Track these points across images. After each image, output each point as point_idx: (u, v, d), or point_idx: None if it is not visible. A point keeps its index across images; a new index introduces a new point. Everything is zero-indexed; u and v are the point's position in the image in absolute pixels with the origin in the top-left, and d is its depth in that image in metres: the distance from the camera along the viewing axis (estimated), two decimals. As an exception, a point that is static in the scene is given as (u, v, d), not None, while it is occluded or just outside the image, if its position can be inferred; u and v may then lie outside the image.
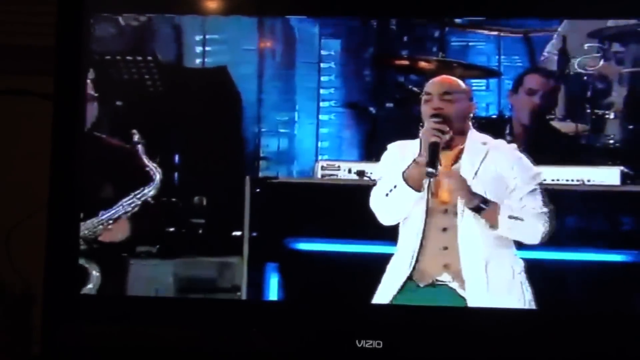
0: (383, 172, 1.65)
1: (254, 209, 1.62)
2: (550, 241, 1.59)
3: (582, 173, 1.61)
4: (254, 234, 1.63)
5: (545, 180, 1.60)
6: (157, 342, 1.93)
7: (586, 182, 1.60)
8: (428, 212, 1.64)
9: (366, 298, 1.70)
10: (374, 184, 1.64)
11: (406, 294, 1.68)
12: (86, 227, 1.75)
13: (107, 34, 1.78)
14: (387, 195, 1.64)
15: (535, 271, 1.61)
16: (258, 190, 1.65)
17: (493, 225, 1.59)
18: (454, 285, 1.66)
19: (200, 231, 1.66)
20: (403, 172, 1.61)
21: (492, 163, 1.62)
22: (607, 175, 1.61)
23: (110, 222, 1.75)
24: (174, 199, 1.66)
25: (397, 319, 1.88)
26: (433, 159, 1.57)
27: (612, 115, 1.66)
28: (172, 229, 1.65)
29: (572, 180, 1.63)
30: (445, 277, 1.67)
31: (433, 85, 1.64)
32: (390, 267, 1.65)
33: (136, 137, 1.71)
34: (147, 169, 1.71)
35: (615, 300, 1.59)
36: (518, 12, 1.74)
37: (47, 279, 1.96)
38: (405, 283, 1.67)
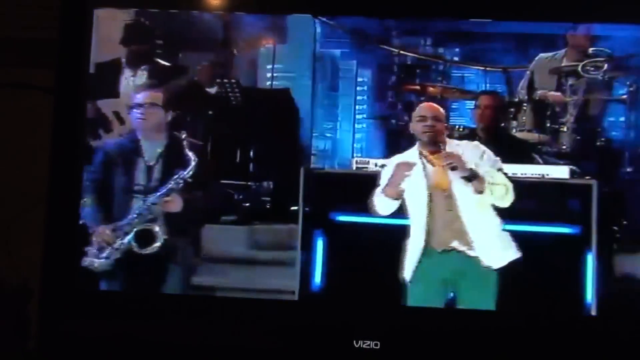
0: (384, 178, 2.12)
1: (306, 191, 2.13)
2: (518, 217, 2.08)
3: (542, 169, 2.15)
4: (307, 209, 2.12)
5: (515, 173, 2.13)
6: (154, 337, 2.01)
7: (545, 176, 2.15)
8: (431, 198, 2.09)
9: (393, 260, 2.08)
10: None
11: (426, 259, 2.09)
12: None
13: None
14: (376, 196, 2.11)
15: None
16: (310, 177, 2.16)
17: (480, 190, 2.06)
18: (464, 248, 2.09)
19: (268, 206, 2.26)
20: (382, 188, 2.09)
21: (467, 155, 2.09)
22: (560, 172, 2.15)
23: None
24: (249, 183, 2.25)
25: (395, 319, 2.05)
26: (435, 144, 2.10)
27: (565, 129, 2.26)
28: (247, 204, 2.25)
29: (535, 175, 2.19)
30: (455, 244, 2.10)
31: (426, 109, 2.13)
32: (410, 238, 2.10)
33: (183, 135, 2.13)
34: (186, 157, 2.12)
35: (561, 261, 2.06)
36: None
37: (44, 274, 1.98)
38: (424, 249, 2.10)
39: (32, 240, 1.97)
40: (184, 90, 2.18)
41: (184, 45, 2.16)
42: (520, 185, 2.07)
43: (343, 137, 2.29)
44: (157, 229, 2.09)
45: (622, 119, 2.20)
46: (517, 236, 2.06)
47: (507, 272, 2.06)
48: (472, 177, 2.07)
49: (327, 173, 2.21)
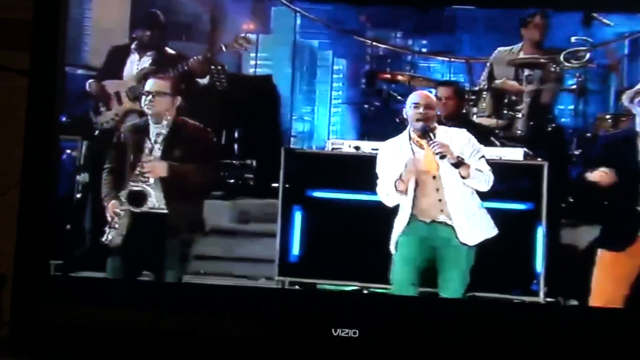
0: (380, 170, 2.26)
1: (286, 169, 2.34)
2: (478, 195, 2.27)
3: (499, 152, 2.38)
4: (286, 186, 2.33)
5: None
6: (127, 323, 2.05)
7: (502, 158, 2.37)
8: (419, 179, 2.24)
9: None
10: (365, 155, 2.32)
11: (409, 231, 2.24)
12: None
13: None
14: (387, 195, 2.26)
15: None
16: (290, 157, 2.36)
17: (465, 176, 2.20)
18: (445, 219, 2.24)
19: (251, 183, 2.47)
20: (394, 183, 2.22)
21: (454, 141, 2.25)
22: (515, 154, 2.38)
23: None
24: (234, 162, 2.47)
25: (373, 307, 2.13)
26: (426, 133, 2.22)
27: (520, 116, 2.51)
28: (232, 181, 2.46)
29: (493, 157, 2.42)
30: (438, 218, 2.25)
31: (419, 97, 2.28)
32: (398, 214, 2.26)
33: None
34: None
35: (514, 230, 2.28)
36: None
37: (17, 260, 2.00)
38: (409, 223, 2.24)
39: (5, 226, 2.01)
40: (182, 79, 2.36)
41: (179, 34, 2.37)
42: None
43: (320, 120, 2.53)
44: (148, 189, 2.24)
45: (571, 107, 2.46)
46: None
47: (477, 246, 2.25)
48: (458, 164, 2.21)
49: (305, 153, 2.44)
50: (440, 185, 2.25)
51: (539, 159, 2.35)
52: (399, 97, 2.50)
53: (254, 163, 2.44)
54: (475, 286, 2.26)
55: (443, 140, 2.21)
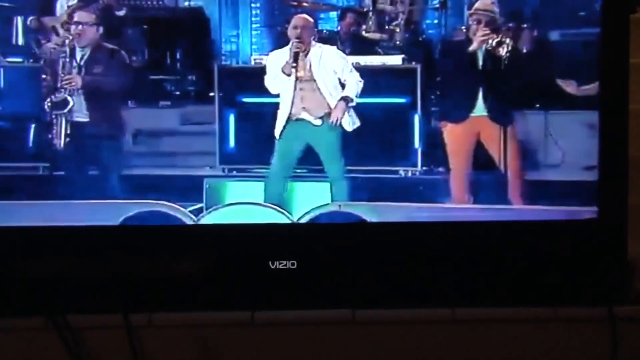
0: (269, 67, 2.75)
1: (220, 81, 2.94)
2: (369, 93, 2.82)
3: (383, 59, 3.00)
4: (221, 94, 2.95)
5: (366, 62, 2.96)
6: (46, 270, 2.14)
7: (385, 63, 3.01)
8: (297, 84, 2.76)
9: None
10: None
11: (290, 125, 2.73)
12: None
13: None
14: (274, 78, 2.76)
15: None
16: (222, 71, 2.99)
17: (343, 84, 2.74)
18: (317, 121, 2.78)
19: (192, 94, 3.09)
20: (281, 68, 2.73)
21: (326, 56, 2.79)
22: (395, 60, 3.00)
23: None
24: (178, 77, 3.07)
25: (311, 238, 2.27)
26: (296, 60, 2.76)
27: (398, 30, 3.18)
28: (178, 93, 3.07)
29: (379, 63, 3.02)
30: (306, 116, 2.77)
31: (298, 20, 2.78)
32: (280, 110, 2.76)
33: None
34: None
35: (397, 121, 2.89)
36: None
37: None
38: (288, 118, 2.74)
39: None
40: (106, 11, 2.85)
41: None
42: (369, 71, 2.89)
43: (244, 41, 3.14)
44: (68, 97, 2.82)
45: (436, 21, 3.14)
46: (368, 106, 2.86)
47: (357, 133, 2.83)
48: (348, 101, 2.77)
49: (234, 68, 3.06)
50: (315, 87, 2.80)
51: (414, 63, 2.97)
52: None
53: (194, 78, 3.05)
54: (368, 163, 2.87)
55: (314, 55, 2.79)
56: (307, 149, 2.80)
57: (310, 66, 2.81)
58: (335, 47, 2.88)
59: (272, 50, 2.90)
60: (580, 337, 2.37)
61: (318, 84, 2.80)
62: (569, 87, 2.74)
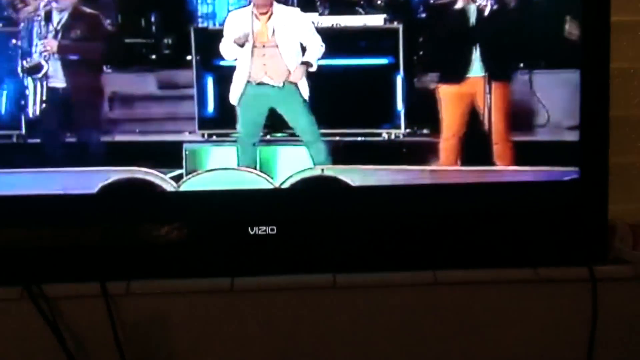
0: (226, 31, 2.71)
1: (197, 45, 2.87)
2: (350, 53, 2.92)
3: (364, 19, 2.93)
4: (198, 58, 2.90)
5: (347, 24, 2.99)
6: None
7: (366, 24, 2.97)
8: (255, 45, 2.79)
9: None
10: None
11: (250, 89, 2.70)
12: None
13: None
14: (227, 47, 2.78)
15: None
16: (198, 34, 2.94)
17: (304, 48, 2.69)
18: (278, 83, 2.73)
19: (169, 58, 3.03)
20: (234, 39, 2.69)
21: (289, 20, 2.71)
22: (377, 20, 2.95)
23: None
24: (152, 40, 3.01)
25: (291, 204, 2.27)
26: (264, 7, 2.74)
27: (379, -12, 3.13)
28: (154, 57, 3.02)
29: (360, 24, 2.98)
30: (267, 80, 2.72)
31: None
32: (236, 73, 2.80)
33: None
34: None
35: (379, 81, 2.94)
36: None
37: None
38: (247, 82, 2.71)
39: None
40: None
41: None
42: (351, 31, 2.88)
43: (219, 3, 3.07)
44: (43, 62, 2.79)
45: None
46: (349, 67, 2.88)
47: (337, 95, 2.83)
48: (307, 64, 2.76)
49: (210, 30, 2.97)
50: (277, 52, 2.77)
51: (395, 23, 2.95)
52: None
53: (170, 41, 2.99)
54: (353, 125, 2.87)
55: (279, 16, 2.76)
56: (273, 113, 2.76)
57: (274, 32, 2.79)
58: (298, 9, 2.82)
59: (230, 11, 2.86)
60: (561, 297, 2.41)
61: (280, 49, 2.75)
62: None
